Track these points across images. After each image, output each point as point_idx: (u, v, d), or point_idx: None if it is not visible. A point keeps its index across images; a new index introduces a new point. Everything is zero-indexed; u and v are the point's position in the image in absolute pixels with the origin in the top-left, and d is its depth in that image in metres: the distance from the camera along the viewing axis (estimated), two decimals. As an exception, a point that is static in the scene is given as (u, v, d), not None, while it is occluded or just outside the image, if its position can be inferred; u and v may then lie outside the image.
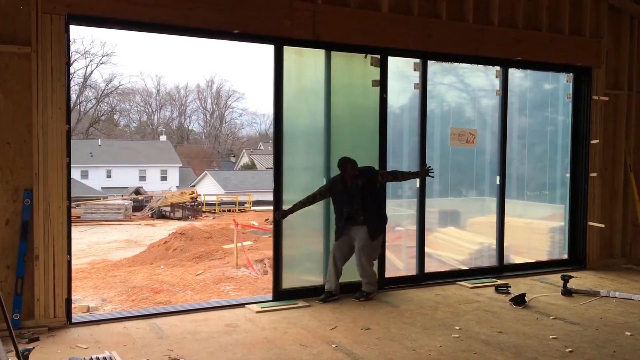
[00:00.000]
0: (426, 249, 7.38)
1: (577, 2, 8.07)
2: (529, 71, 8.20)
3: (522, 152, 8.34)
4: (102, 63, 68.46)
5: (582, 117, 8.31)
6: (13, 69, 5.18)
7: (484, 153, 7.97)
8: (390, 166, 7.00)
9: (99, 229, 26.83)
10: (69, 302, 5.46)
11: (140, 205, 35.49)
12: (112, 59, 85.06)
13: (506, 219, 7.95)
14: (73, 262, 5.71)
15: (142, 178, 53.45)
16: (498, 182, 7.90)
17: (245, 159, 60.73)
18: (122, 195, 38.48)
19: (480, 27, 7.36)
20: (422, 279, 7.29)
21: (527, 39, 7.67)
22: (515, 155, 8.22)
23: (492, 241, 7.98)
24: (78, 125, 58.35)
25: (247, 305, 6.18)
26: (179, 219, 30.95)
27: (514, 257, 8.28)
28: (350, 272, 6.68)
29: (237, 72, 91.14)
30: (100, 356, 4.51)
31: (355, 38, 6.59)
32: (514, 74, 8.02)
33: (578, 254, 8.40)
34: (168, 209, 32.29)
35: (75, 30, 70.47)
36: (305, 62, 6.63)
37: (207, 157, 66.79)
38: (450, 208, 8.09)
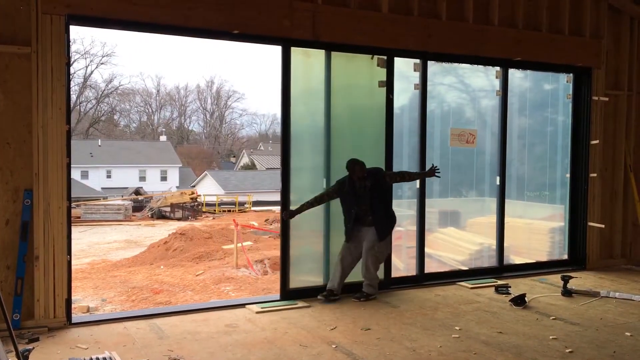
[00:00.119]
0: (426, 250, 7.38)
1: (577, 2, 8.07)
2: (529, 71, 8.20)
3: (522, 152, 8.34)
4: (102, 63, 68.63)
5: (582, 117, 8.31)
6: (13, 69, 5.18)
7: (484, 153, 7.97)
8: (391, 166, 7.01)
9: (99, 229, 26.83)
10: (69, 302, 5.46)
11: (140, 206, 35.49)
12: (112, 59, 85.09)
13: (506, 219, 7.95)
14: (73, 262, 5.70)
15: (142, 178, 53.47)
16: (498, 183, 7.91)
17: (245, 160, 60.74)
18: (122, 196, 38.48)
19: (480, 28, 7.36)
20: (422, 279, 7.29)
21: (527, 39, 7.67)
22: (515, 156, 8.22)
23: (492, 241, 7.98)
24: (78, 125, 58.36)
25: (248, 306, 6.18)
26: (178, 219, 30.95)
27: (514, 258, 8.28)
28: (355, 272, 6.68)
29: (237, 72, 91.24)
30: (100, 356, 4.51)
31: (355, 38, 6.59)
32: (514, 74, 8.02)
33: (578, 254, 8.40)
34: (168, 209, 32.29)
35: (75, 31, 70.48)
36: (312, 63, 6.65)
37: (207, 157, 66.80)
38: (450, 208, 8.09)
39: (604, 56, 8.24)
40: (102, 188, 47.35)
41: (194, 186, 46.40)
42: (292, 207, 6.46)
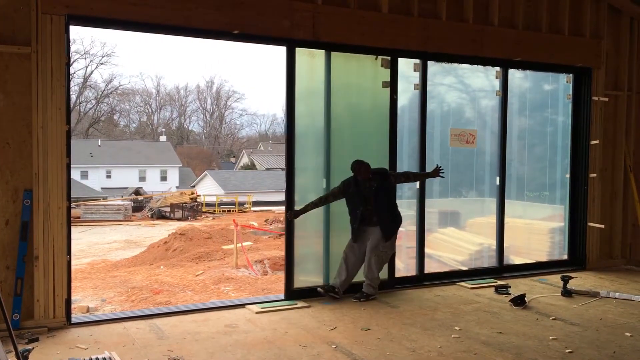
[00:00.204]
0: (426, 250, 7.38)
1: (577, 2, 8.07)
2: (528, 72, 8.21)
3: (522, 152, 8.34)
4: (102, 63, 68.66)
5: (582, 117, 8.31)
6: (13, 69, 5.18)
7: (484, 153, 7.97)
8: (395, 167, 7.03)
9: (98, 229, 26.82)
10: (68, 302, 5.46)
11: (140, 206, 35.49)
12: (112, 59, 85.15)
13: (506, 219, 7.95)
14: (73, 262, 5.70)
15: (142, 178, 53.47)
16: (498, 183, 7.91)
17: (245, 160, 60.75)
18: (122, 196, 38.47)
19: (480, 28, 7.36)
20: (422, 279, 7.29)
21: (527, 39, 7.68)
22: (515, 156, 8.22)
23: (492, 242, 7.98)
24: (78, 125, 58.36)
25: (248, 306, 6.18)
26: (178, 219, 30.94)
27: (514, 258, 8.28)
28: (359, 273, 6.68)
29: (237, 72, 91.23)
30: (100, 357, 4.51)
31: (355, 39, 6.59)
32: (514, 74, 8.02)
33: (578, 254, 8.40)
34: (168, 209, 32.28)
35: (75, 31, 70.50)
36: (316, 64, 6.66)
37: (207, 157, 66.81)
38: (450, 209, 8.09)
39: (603, 56, 8.24)
40: (102, 188, 47.35)
41: (193, 186, 46.40)
42: (297, 207, 6.47)
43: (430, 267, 7.47)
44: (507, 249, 8.00)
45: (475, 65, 7.74)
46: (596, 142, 8.24)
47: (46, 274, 5.30)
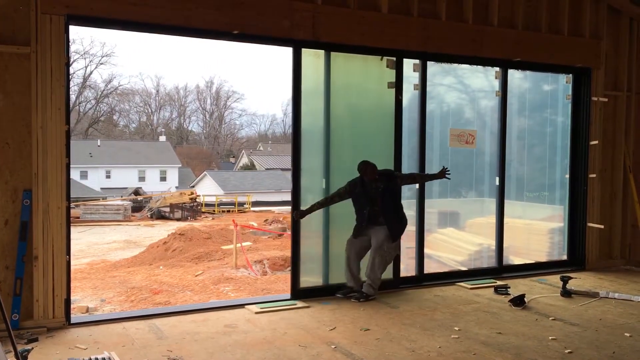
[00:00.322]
0: (425, 250, 7.38)
1: (577, 3, 8.07)
2: (528, 72, 8.21)
3: (521, 153, 8.34)
4: (101, 63, 68.56)
5: (582, 118, 8.31)
6: (12, 69, 5.18)
7: (484, 154, 7.97)
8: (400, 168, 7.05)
9: (98, 229, 26.81)
10: (68, 302, 5.46)
11: (139, 206, 35.49)
12: (112, 59, 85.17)
13: (505, 219, 7.95)
14: (72, 262, 5.70)
15: (142, 178, 53.47)
16: (497, 183, 7.91)
17: (244, 160, 60.75)
18: (122, 196, 38.47)
19: (480, 28, 7.36)
20: (422, 279, 7.29)
21: (526, 39, 7.68)
22: (515, 156, 8.23)
23: (492, 242, 7.98)
24: (77, 125, 58.35)
25: (248, 306, 6.17)
26: (178, 219, 30.95)
27: (513, 258, 8.29)
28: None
29: (236, 72, 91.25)
30: (99, 357, 4.50)
31: (355, 39, 6.59)
32: (514, 75, 8.02)
33: (577, 255, 8.40)
34: (167, 209, 32.29)
35: (75, 31, 70.52)
36: (321, 64, 6.69)
37: (207, 157, 66.82)
38: (450, 209, 8.09)
39: (603, 57, 8.24)
40: (102, 188, 47.35)
41: (193, 186, 46.41)
42: (303, 207, 6.51)
43: (429, 268, 7.47)
44: (506, 249, 8.00)
45: (475, 66, 7.74)
46: (596, 142, 8.24)
47: (45, 274, 5.30)
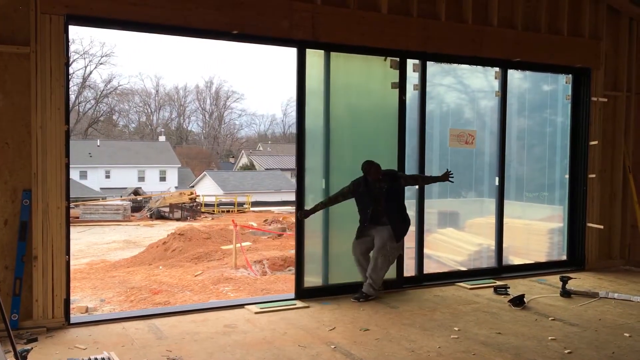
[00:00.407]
0: (425, 250, 7.38)
1: (576, 3, 8.07)
2: (528, 72, 8.21)
3: (521, 153, 8.34)
4: (101, 63, 68.28)
5: (581, 118, 8.32)
6: (12, 69, 5.18)
7: (483, 154, 7.97)
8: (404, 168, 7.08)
9: (97, 229, 26.81)
10: (67, 302, 5.45)
11: (139, 206, 35.49)
12: (111, 59, 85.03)
13: (505, 220, 7.95)
14: (72, 262, 5.70)
15: (141, 179, 53.45)
16: (497, 183, 7.91)
17: (244, 160, 60.76)
18: (121, 196, 38.48)
19: (480, 28, 7.36)
20: (421, 280, 7.29)
21: (526, 40, 7.68)
22: (515, 157, 8.23)
23: (491, 242, 7.98)
24: (77, 125, 58.33)
25: (247, 306, 6.17)
26: (177, 219, 30.95)
27: (513, 258, 8.29)
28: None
29: (236, 72, 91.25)
30: (99, 357, 4.50)
31: (355, 39, 6.59)
32: (513, 75, 8.02)
33: (577, 255, 8.41)
34: (167, 209, 32.29)
35: (75, 31, 70.54)
36: (322, 64, 6.70)
37: (206, 157, 66.82)
38: (449, 209, 8.09)
39: (602, 57, 8.25)
40: (101, 188, 47.33)
41: (192, 186, 46.42)
42: (307, 207, 6.52)
43: (429, 268, 7.47)
44: (506, 250, 8.00)
45: (475, 66, 7.74)
46: (595, 142, 8.24)
47: (45, 274, 5.30)
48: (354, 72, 6.91)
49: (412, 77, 7.24)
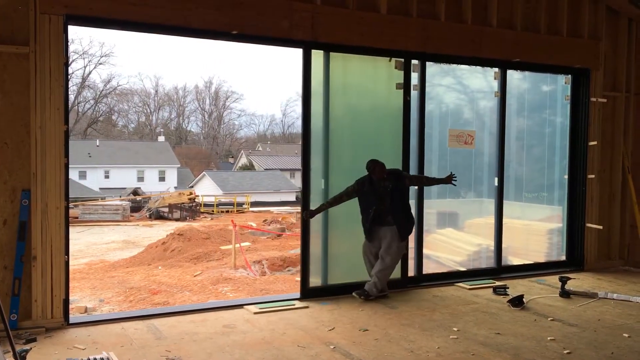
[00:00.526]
0: (424, 251, 7.38)
1: (575, 4, 8.08)
2: (527, 73, 8.21)
3: (520, 153, 8.34)
4: (100, 63, 68.41)
5: (580, 118, 8.32)
6: (11, 69, 5.17)
7: (483, 154, 7.97)
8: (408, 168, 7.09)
9: (96, 229, 26.80)
10: (66, 302, 5.45)
11: (138, 206, 35.48)
12: (111, 59, 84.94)
13: (504, 220, 7.95)
14: (71, 262, 5.70)
15: (140, 179, 53.43)
16: (496, 184, 7.91)
17: (243, 160, 60.76)
18: (120, 196, 38.47)
19: (479, 29, 7.37)
20: (421, 280, 7.29)
21: (525, 40, 7.68)
22: (514, 157, 8.23)
23: (491, 242, 7.98)
24: (76, 125, 58.30)
25: (246, 306, 6.17)
26: (177, 219, 30.95)
27: (512, 259, 8.29)
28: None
29: (235, 72, 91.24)
30: (98, 357, 4.50)
31: (354, 39, 6.59)
32: (512, 75, 8.03)
33: (576, 255, 8.41)
34: (166, 209, 32.29)
35: (74, 31, 70.49)
36: (331, 66, 6.70)
37: (206, 158, 66.81)
38: (449, 209, 8.09)
39: (602, 57, 8.25)
40: (100, 188, 47.32)
41: (192, 187, 46.41)
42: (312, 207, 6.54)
43: (428, 268, 7.46)
44: (505, 250, 8.01)
45: (474, 66, 7.74)
46: (594, 143, 8.25)
47: (44, 274, 5.29)
48: (355, 72, 6.91)
49: (412, 77, 7.23)
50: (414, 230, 7.28)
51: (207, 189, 44.73)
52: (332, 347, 4.96)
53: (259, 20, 6.08)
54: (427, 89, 7.27)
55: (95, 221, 29.37)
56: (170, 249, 17.13)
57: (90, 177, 50.77)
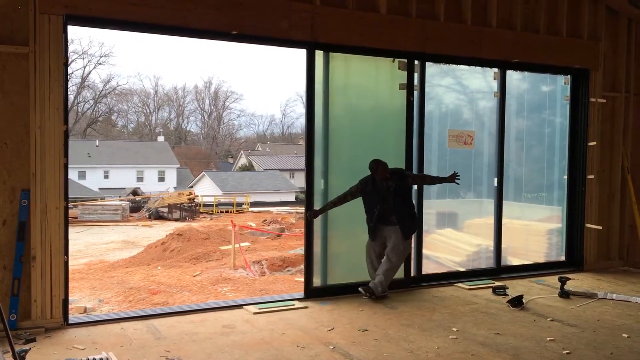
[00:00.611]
0: (424, 251, 7.38)
1: (575, 4, 8.08)
2: (526, 73, 8.22)
3: (519, 153, 8.35)
4: (100, 64, 68.59)
5: (580, 119, 8.32)
6: (11, 69, 5.17)
7: (482, 155, 7.97)
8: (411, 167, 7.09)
9: (96, 229, 26.78)
10: (65, 302, 5.45)
11: (137, 206, 35.48)
12: (110, 59, 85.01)
13: (504, 220, 7.95)
14: (70, 262, 5.69)
15: (140, 179, 53.41)
16: (496, 184, 7.91)
17: (243, 160, 60.75)
18: (120, 196, 38.45)
19: (479, 29, 7.37)
20: (420, 280, 7.29)
21: (525, 41, 7.68)
22: (513, 157, 8.23)
23: (490, 243, 7.99)
24: (75, 125, 58.27)
25: (246, 306, 6.17)
26: (176, 220, 30.94)
27: (512, 259, 8.29)
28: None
29: (235, 73, 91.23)
30: (97, 357, 4.50)
31: (354, 39, 6.59)
32: (512, 76, 8.03)
33: (575, 255, 8.41)
34: (165, 209, 32.28)
35: (73, 31, 70.46)
36: (335, 66, 6.71)
37: (205, 158, 66.78)
38: (448, 209, 8.10)
39: (601, 58, 8.26)
40: (100, 188, 47.29)
41: (191, 187, 46.41)
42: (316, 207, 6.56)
43: (428, 268, 7.46)
44: (504, 250, 8.01)
45: (474, 67, 7.74)
46: (594, 143, 8.25)
47: (43, 274, 5.29)
48: (356, 72, 6.92)
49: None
50: (413, 230, 7.31)
51: (206, 189, 44.73)
52: (331, 347, 4.96)
53: (258, 20, 6.08)
54: (426, 89, 7.27)
55: (94, 221, 29.36)
56: (169, 249, 17.12)
57: (90, 177, 50.75)
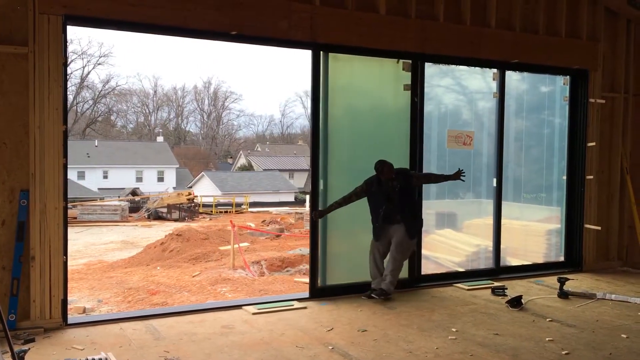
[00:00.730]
0: (423, 251, 7.37)
1: (574, 5, 8.09)
2: (525, 74, 8.22)
3: (518, 154, 8.35)
4: (99, 64, 68.33)
5: (579, 119, 8.33)
6: (10, 69, 5.17)
7: (481, 155, 7.98)
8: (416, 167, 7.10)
9: (95, 229, 26.77)
10: (65, 303, 5.45)
11: (136, 207, 35.47)
12: (109, 59, 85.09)
13: (503, 221, 7.95)
14: (69, 263, 5.69)
15: (139, 179, 53.42)
16: (495, 184, 7.92)
17: (242, 160, 60.75)
18: (119, 196, 38.44)
19: (478, 30, 7.37)
20: (419, 280, 7.29)
21: (524, 41, 7.69)
22: (512, 158, 8.23)
23: (489, 243, 7.99)
24: (75, 125, 58.26)
25: (245, 307, 6.17)
26: (175, 220, 30.94)
27: (511, 260, 8.29)
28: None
29: (234, 73, 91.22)
30: (96, 357, 4.50)
31: (353, 40, 6.59)
32: (511, 76, 8.03)
33: (574, 256, 8.42)
34: (165, 210, 32.27)
35: (73, 31, 70.43)
36: (339, 67, 6.72)
37: (204, 158, 66.77)
38: (447, 210, 8.10)
39: (600, 58, 8.26)
40: (99, 189, 47.29)
41: (190, 187, 46.39)
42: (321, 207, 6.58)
43: (427, 269, 7.46)
44: (503, 251, 8.01)
45: (473, 67, 7.74)
46: (593, 144, 8.26)
47: (42, 274, 5.29)
48: (357, 72, 6.92)
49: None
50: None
51: (205, 189, 44.73)
52: (330, 347, 4.96)
53: (258, 20, 6.09)
54: (425, 90, 7.27)
55: (93, 221, 29.35)
56: (168, 249, 17.11)
57: (89, 177, 50.75)
